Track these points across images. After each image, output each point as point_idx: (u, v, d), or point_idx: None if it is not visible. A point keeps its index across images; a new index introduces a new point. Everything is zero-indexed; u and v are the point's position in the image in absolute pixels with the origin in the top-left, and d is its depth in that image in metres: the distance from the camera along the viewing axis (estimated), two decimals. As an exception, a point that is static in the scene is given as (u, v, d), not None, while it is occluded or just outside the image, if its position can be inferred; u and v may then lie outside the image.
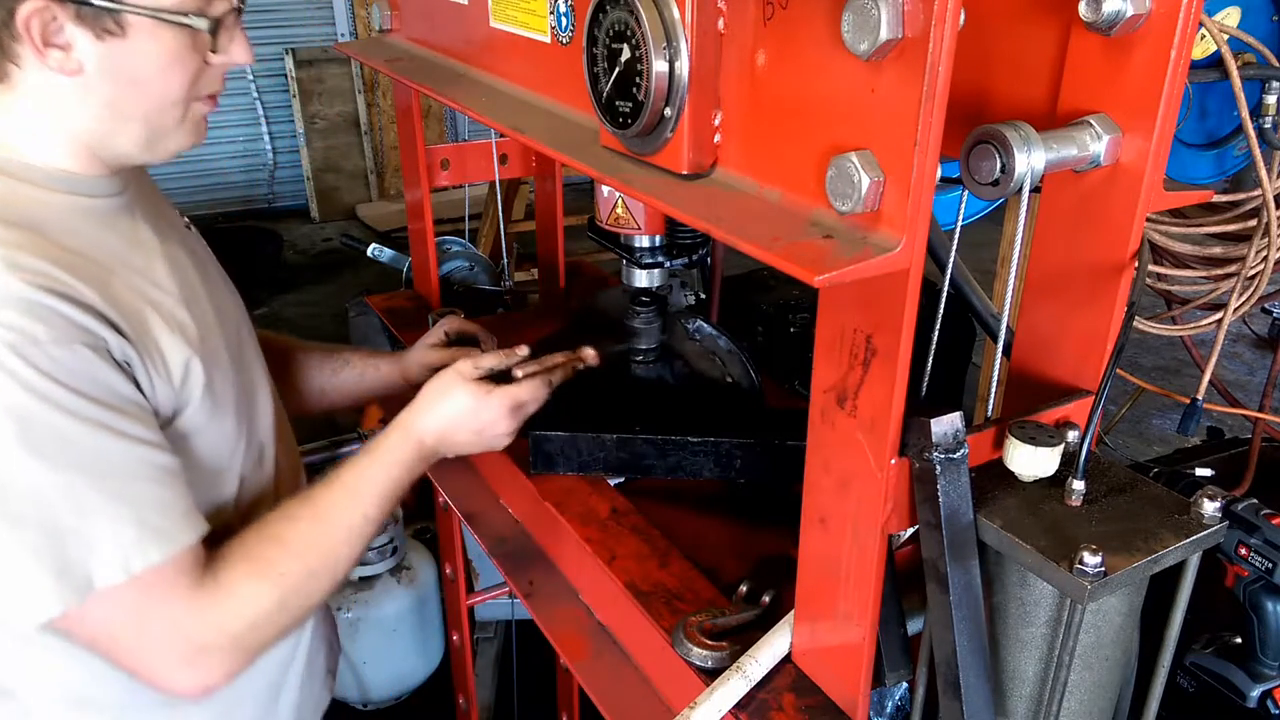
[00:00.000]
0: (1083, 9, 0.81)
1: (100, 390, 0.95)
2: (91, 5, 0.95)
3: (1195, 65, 1.36)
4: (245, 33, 1.10)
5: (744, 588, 1.14)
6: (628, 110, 0.90)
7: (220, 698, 1.09)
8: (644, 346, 1.45)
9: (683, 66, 0.84)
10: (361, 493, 1.17)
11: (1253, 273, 1.46)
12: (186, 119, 1.08)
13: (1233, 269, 1.48)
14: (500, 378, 1.28)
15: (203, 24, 1.02)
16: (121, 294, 1.02)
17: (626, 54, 0.88)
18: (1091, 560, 0.76)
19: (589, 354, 1.36)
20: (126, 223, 1.11)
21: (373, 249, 2.67)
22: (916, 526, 0.86)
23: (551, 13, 1.07)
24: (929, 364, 0.94)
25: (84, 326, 0.95)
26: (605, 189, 1.34)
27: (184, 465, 1.06)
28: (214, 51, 1.06)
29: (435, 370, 1.31)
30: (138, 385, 1.01)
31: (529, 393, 1.27)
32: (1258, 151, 1.34)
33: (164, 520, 0.99)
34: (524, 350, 1.31)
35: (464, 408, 1.23)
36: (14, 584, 0.94)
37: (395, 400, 1.84)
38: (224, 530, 1.10)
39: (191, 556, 1.01)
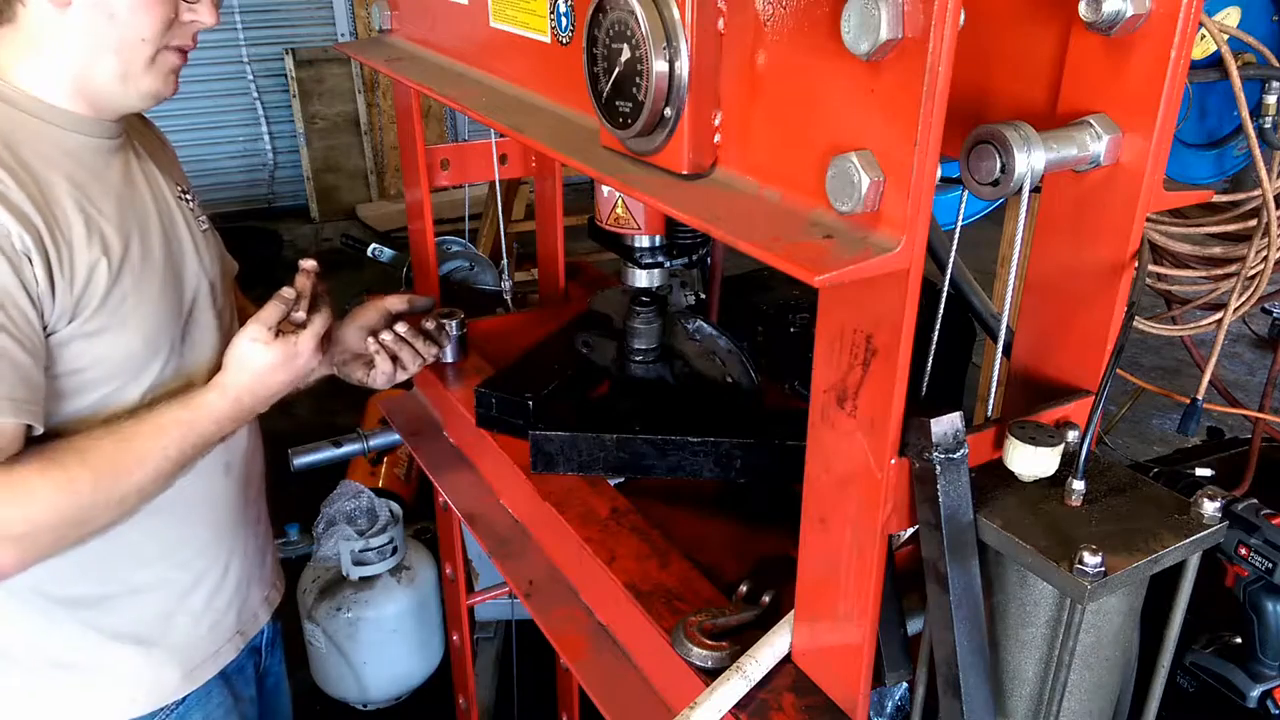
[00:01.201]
0: (1083, 9, 0.81)
1: None
2: None
3: (1195, 65, 1.36)
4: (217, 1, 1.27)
5: (744, 588, 1.14)
6: (628, 110, 0.90)
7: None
8: (644, 346, 1.45)
9: (683, 66, 0.84)
10: (168, 431, 1.24)
11: (1253, 273, 1.46)
12: (156, 63, 1.23)
13: (1233, 269, 1.48)
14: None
15: None
16: (55, 198, 1.16)
17: (626, 54, 0.88)
18: (1091, 560, 0.76)
19: (308, 264, 1.46)
20: (96, 159, 1.26)
21: (373, 249, 2.67)
22: (916, 526, 0.86)
23: (551, 13, 1.07)
24: (929, 364, 0.94)
25: None
26: (605, 189, 1.34)
27: (69, 370, 1.19)
28: (186, 1, 1.23)
29: (370, 331, 1.56)
30: (34, 276, 1.12)
31: (319, 325, 1.38)
32: (1258, 151, 1.34)
33: None
34: (289, 292, 1.40)
35: (269, 362, 1.32)
36: None
37: (397, 409, 1.84)
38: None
39: (5, 436, 1.10)
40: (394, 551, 2.89)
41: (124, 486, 1.20)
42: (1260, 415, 1.66)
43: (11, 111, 1.20)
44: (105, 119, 1.27)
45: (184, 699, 1.43)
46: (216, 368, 1.34)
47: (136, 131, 1.39)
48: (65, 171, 1.20)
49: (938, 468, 0.81)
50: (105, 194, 1.25)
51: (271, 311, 1.35)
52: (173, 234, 1.36)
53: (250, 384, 1.32)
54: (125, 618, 1.36)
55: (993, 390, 0.98)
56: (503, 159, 1.93)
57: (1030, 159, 0.80)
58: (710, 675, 1.03)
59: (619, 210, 1.35)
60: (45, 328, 1.16)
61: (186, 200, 1.44)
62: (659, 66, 0.84)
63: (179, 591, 1.41)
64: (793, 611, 1.01)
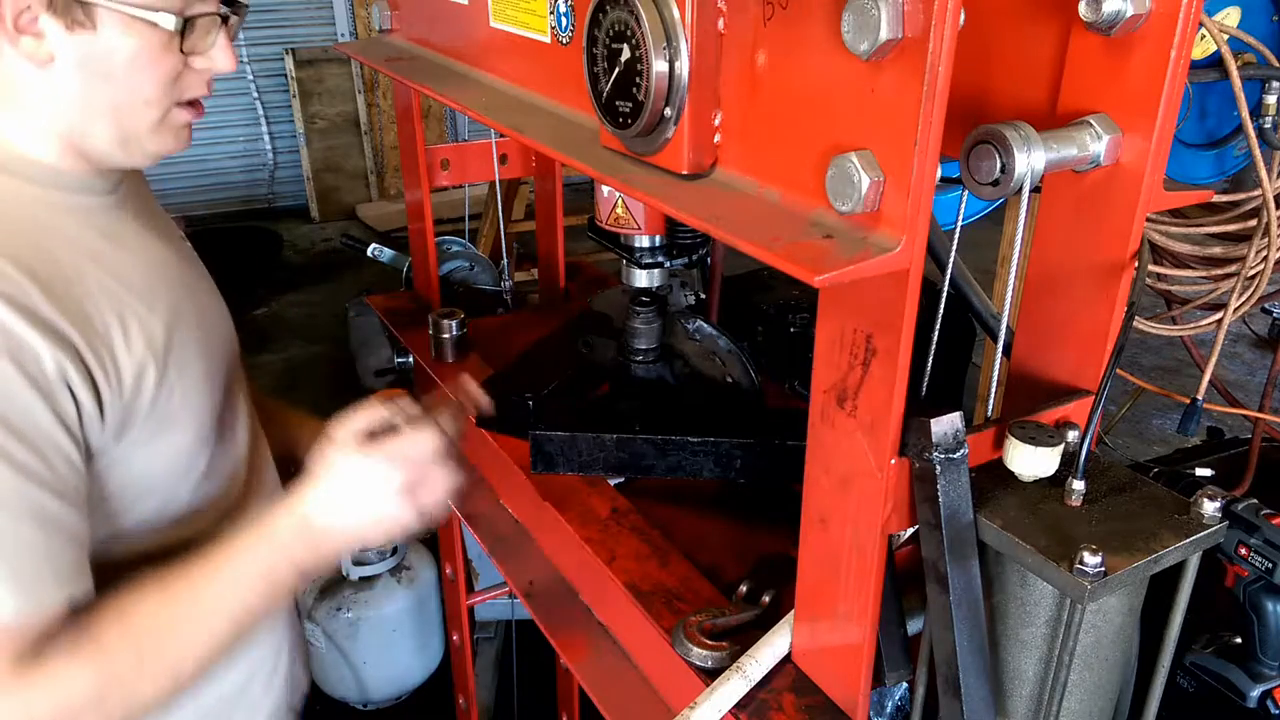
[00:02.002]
0: (1083, 9, 0.81)
1: (13, 413, 0.89)
2: None
3: (1195, 65, 1.36)
4: (230, 38, 1.07)
5: (744, 588, 1.14)
6: (628, 110, 0.90)
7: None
8: (644, 346, 1.45)
9: (683, 66, 0.84)
10: (222, 577, 1.02)
11: (1253, 273, 1.46)
12: (164, 123, 1.05)
13: (1233, 269, 1.48)
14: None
15: (170, 22, 0.99)
16: (86, 295, 0.98)
17: (626, 54, 0.88)
18: (1091, 560, 0.76)
19: (483, 402, 1.26)
20: (111, 223, 1.08)
21: (373, 249, 2.67)
22: (916, 526, 0.86)
23: (551, 13, 1.07)
24: (929, 364, 0.94)
25: (17, 337, 0.90)
26: (605, 189, 1.34)
27: (125, 481, 1.02)
28: (183, 52, 1.02)
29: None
30: (75, 402, 0.95)
31: (418, 443, 1.09)
32: (1258, 151, 1.34)
33: (30, 574, 0.90)
34: (403, 399, 1.16)
35: (345, 471, 1.07)
36: None
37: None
38: (160, 549, 1.05)
39: (41, 622, 0.91)
40: (394, 551, 2.89)
41: (170, 659, 0.99)
42: (1260, 415, 1.66)
43: (10, 181, 1.01)
44: (101, 174, 1.08)
45: None
46: (248, 452, 1.20)
47: None
48: (89, 251, 1.02)
49: (938, 468, 0.81)
50: (133, 265, 1.06)
51: (365, 416, 1.11)
52: (199, 293, 1.18)
53: (318, 497, 1.07)
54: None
55: (993, 390, 0.98)
56: (503, 159, 1.93)
57: (1030, 159, 0.80)
58: (710, 675, 1.03)
59: (619, 210, 1.35)
60: (90, 454, 0.99)
61: (186, 242, 1.24)
62: (659, 66, 0.84)
63: (238, 687, 1.24)
64: (793, 611, 1.01)
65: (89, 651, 0.94)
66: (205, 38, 1.03)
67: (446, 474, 1.12)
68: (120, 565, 1.03)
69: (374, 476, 1.07)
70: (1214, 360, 1.43)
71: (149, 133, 1.04)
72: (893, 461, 0.83)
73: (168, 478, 1.09)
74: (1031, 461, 0.87)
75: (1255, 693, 1.35)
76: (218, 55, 1.05)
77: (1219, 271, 1.51)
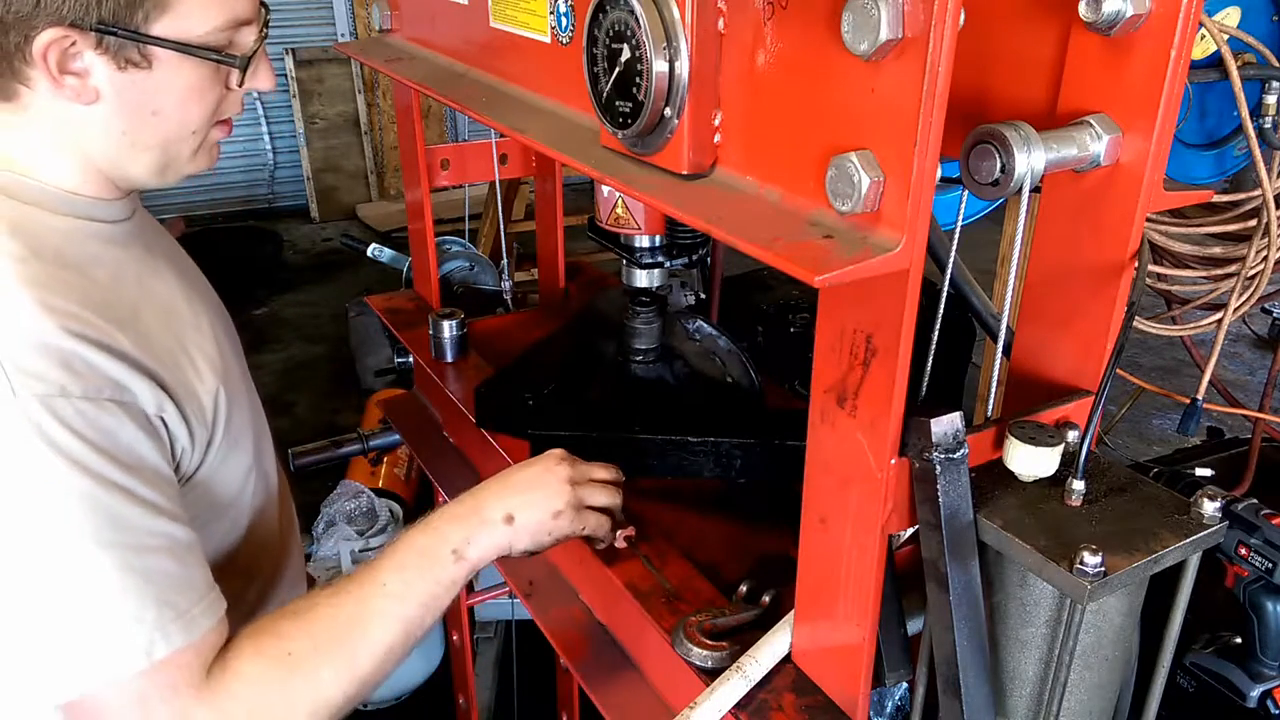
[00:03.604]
0: (1083, 9, 0.81)
1: (126, 453, 0.90)
2: (117, 35, 0.90)
3: (1195, 65, 1.36)
4: (268, 56, 1.06)
5: (744, 588, 1.14)
6: (628, 110, 0.90)
7: None
8: (644, 346, 1.45)
9: (683, 66, 0.84)
10: (383, 565, 1.04)
11: (1253, 273, 1.46)
12: (203, 146, 1.05)
13: (1233, 269, 1.48)
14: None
15: (234, 61, 0.99)
16: (152, 332, 0.98)
17: (626, 54, 0.88)
18: (1091, 560, 0.76)
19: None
20: (140, 248, 1.07)
21: (373, 249, 2.68)
22: (916, 526, 0.86)
23: (551, 13, 1.07)
24: (929, 364, 0.94)
25: (117, 381, 0.91)
26: (605, 189, 1.34)
27: (205, 505, 1.03)
28: (240, 86, 1.03)
29: None
30: (169, 437, 0.96)
31: (596, 470, 1.19)
32: (1258, 151, 1.34)
33: (186, 601, 0.92)
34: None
35: (528, 470, 1.16)
36: (32, 660, 0.88)
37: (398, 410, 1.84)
38: (231, 564, 1.07)
39: (211, 641, 0.94)
40: (394, 551, 2.88)
41: (350, 642, 0.99)
42: (1260, 415, 1.66)
43: (52, 219, 0.97)
44: (124, 197, 1.06)
45: None
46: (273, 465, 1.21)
47: None
48: (135, 280, 1.02)
49: (938, 468, 0.81)
50: (168, 287, 1.06)
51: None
52: (211, 297, 1.18)
53: (507, 484, 1.12)
54: None
55: (993, 390, 0.98)
56: (503, 159, 1.93)
57: (1030, 159, 0.80)
58: (710, 675, 1.03)
59: (619, 210, 1.35)
60: (183, 484, 1.01)
61: (175, 241, 1.23)
62: (659, 66, 0.84)
63: None
64: (793, 611, 1.01)
65: (269, 642, 0.96)
66: (256, 62, 1.03)
67: (612, 499, 1.19)
68: None
69: (551, 480, 1.14)
70: (1214, 360, 1.43)
71: (189, 159, 1.04)
72: (893, 461, 0.83)
73: (234, 493, 1.10)
74: (1031, 461, 0.87)
75: (1255, 693, 1.35)
76: (260, 77, 1.05)
77: (1219, 271, 1.51)
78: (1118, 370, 0.90)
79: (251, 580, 1.20)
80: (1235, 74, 1.30)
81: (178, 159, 1.03)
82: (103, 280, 0.97)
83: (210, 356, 1.05)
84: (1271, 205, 1.38)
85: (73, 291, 0.92)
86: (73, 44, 0.90)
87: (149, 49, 0.93)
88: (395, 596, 1.02)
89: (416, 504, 3.22)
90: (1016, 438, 0.87)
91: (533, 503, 1.12)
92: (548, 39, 1.09)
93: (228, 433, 1.06)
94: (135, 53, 0.92)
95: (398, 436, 1.98)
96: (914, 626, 0.96)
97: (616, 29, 0.89)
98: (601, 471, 1.21)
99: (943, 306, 0.96)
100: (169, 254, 1.13)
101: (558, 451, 1.19)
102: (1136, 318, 0.90)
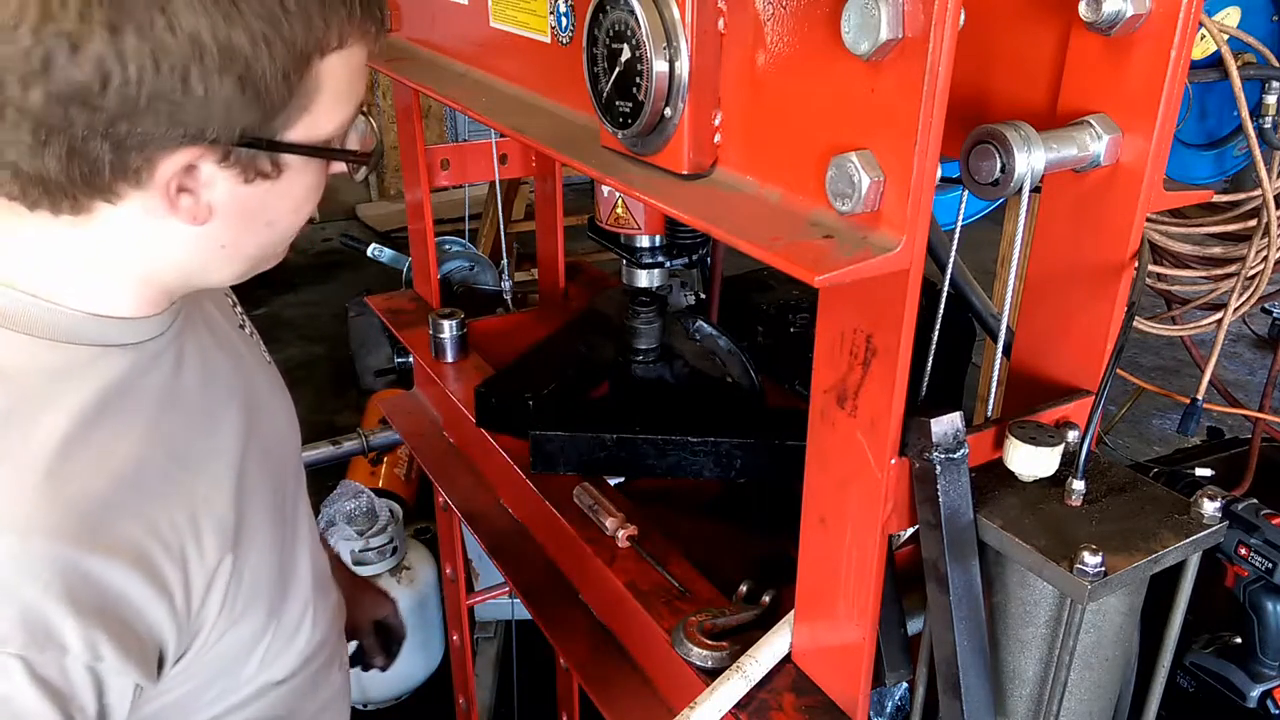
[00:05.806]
0: (1083, 9, 0.81)
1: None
2: (256, 147, 0.76)
3: (1195, 65, 1.36)
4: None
5: (744, 588, 1.14)
6: (628, 110, 0.90)
7: None
8: (644, 346, 1.45)
9: (683, 66, 0.84)
10: None
11: (1253, 273, 1.46)
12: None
13: (1233, 269, 1.48)
14: None
15: (366, 159, 0.86)
16: (143, 513, 0.81)
17: (626, 54, 0.88)
18: (1091, 560, 0.76)
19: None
20: (168, 363, 0.88)
21: (373, 249, 2.67)
22: (916, 526, 0.86)
23: (551, 13, 1.07)
24: (929, 364, 0.94)
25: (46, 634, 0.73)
26: (605, 189, 1.34)
27: (198, 671, 0.88)
28: (353, 178, 0.89)
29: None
30: (158, 654, 0.82)
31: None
32: (1258, 151, 1.34)
33: None
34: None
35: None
36: None
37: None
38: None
39: None
40: (394, 551, 2.88)
41: None
42: (1260, 415, 1.66)
43: (72, 352, 0.80)
44: (170, 303, 0.88)
45: None
46: (311, 583, 1.05)
47: None
48: (155, 429, 0.84)
49: (938, 468, 0.81)
50: (193, 418, 0.89)
51: None
52: (260, 392, 1.01)
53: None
54: None
55: (993, 390, 0.98)
56: (503, 159, 1.93)
57: (1030, 159, 0.80)
58: (710, 675, 1.03)
59: (619, 210, 1.35)
60: (178, 661, 0.85)
61: (245, 331, 1.06)
62: (659, 66, 0.84)
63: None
64: (793, 611, 1.01)
65: None
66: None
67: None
68: None
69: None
70: (1214, 360, 1.43)
71: (278, 258, 0.89)
72: (893, 461, 0.83)
73: (240, 654, 0.94)
74: (1031, 461, 0.87)
75: (1255, 693, 1.35)
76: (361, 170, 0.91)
77: (1219, 271, 1.51)
78: (1118, 370, 0.90)
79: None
80: (1235, 74, 1.30)
81: (267, 261, 0.88)
82: (87, 459, 0.78)
83: (223, 521, 0.88)
84: (1271, 205, 1.38)
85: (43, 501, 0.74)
86: (193, 161, 0.75)
87: (282, 157, 0.79)
88: None
89: (417, 504, 3.22)
90: (1016, 438, 0.87)
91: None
92: (548, 39, 1.09)
93: (223, 612, 0.88)
94: (268, 163, 0.78)
95: (398, 436, 1.98)
96: (914, 626, 0.96)
97: (616, 29, 0.89)
98: None
99: (943, 306, 0.96)
100: (206, 351, 0.95)
101: None
102: (1136, 318, 0.90)
